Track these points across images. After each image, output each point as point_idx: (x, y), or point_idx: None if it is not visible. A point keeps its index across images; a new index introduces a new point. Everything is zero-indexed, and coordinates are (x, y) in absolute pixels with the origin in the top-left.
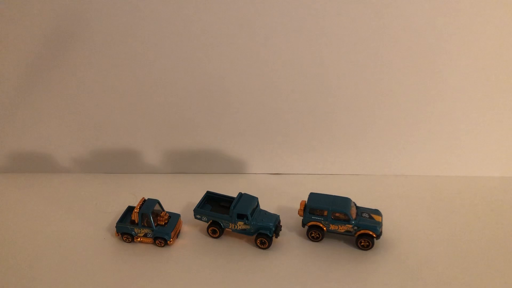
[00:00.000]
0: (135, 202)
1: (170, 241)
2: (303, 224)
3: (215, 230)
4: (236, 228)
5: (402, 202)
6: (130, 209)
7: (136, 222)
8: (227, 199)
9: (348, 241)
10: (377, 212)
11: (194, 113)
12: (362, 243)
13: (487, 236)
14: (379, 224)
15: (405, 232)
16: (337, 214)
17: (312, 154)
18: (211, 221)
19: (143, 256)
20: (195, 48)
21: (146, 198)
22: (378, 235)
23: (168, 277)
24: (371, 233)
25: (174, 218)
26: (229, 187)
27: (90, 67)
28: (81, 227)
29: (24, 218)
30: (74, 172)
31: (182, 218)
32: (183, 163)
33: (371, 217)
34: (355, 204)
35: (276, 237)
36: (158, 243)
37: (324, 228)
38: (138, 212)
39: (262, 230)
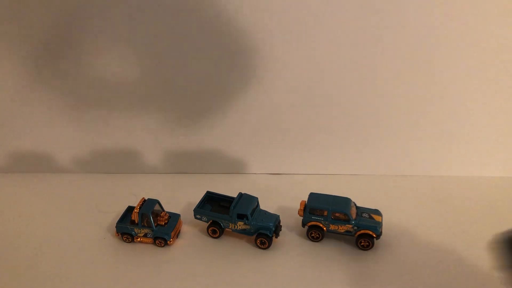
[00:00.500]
0: (135, 202)
1: (170, 241)
2: (303, 224)
3: (215, 230)
4: (236, 228)
5: (402, 202)
6: (130, 209)
7: (136, 222)
8: (227, 199)
9: (348, 241)
10: (377, 212)
11: (194, 113)
12: (362, 243)
13: (487, 236)
14: (379, 224)
15: (405, 232)
16: (337, 214)
17: (312, 154)
18: (211, 221)
19: (143, 256)
20: (195, 48)
21: (146, 198)
22: (378, 235)
23: (168, 277)
24: (371, 233)
25: (174, 218)
26: (229, 187)
27: (90, 67)
28: (81, 227)
29: (24, 218)
30: (74, 172)
31: (182, 218)
32: (183, 163)
33: (371, 217)
34: (355, 204)
35: (276, 237)
36: (158, 243)
37: (324, 228)
38: (138, 212)
39: (262, 230)
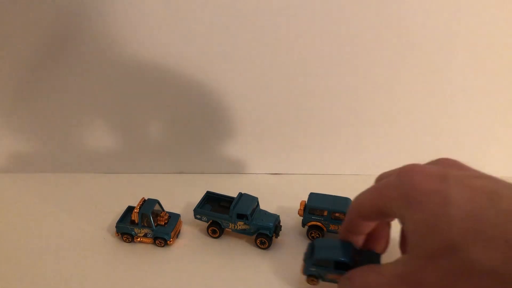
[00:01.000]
0: (135, 202)
1: (170, 241)
2: (303, 224)
3: (215, 230)
4: (236, 228)
5: None
6: (130, 209)
7: (136, 222)
8: (227, 199)
9: None
10: None
11: (194, 113)
12: None
13: None
14: None
15: None
16: (337, 214)
17: (312, 154)
18: (211, 221)
19: (143, 256)
20: (194, 48)
21: (146, 198)
22: None
23: (168, 277)
24: None
25: (174, 218)
26: (229, 187)
27: (90, 67)
28: (81, 227)
29: (24, 218)
30: (74, 172)
31: (182, 218)
32: (183, 163)
33: None
34: None
35: (276, 237)
36: (158, 243)
37: (324, 228)
38: (138, 212)
39: (262, 230)
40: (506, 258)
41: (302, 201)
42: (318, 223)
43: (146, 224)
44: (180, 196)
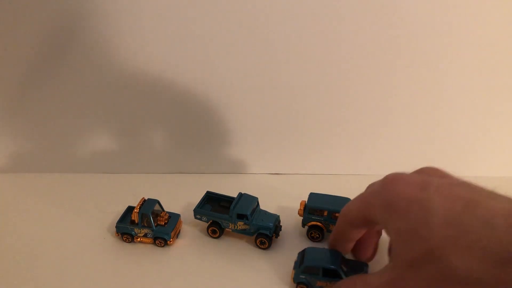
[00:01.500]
0: (135, 202)
1: (170, 241)
2: (303, 224)
3: (215, 230)
4: (236, 228)
5: None
6: (130, 209)
7: (136, 222)
8: (227, 199)
9: None
10: None
11: (194, 113)
12: None
13: None
14: None
15: None
16: (337, 214)
17: (312, 154)
18: (211, 221)
19: (143, 256)
20: (195, 48)
21: (146, 198)
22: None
23: (168, 277)
24: None
25: (174, 218)
26: (229, 187)
27: (90, 66)
28: (81, 227)
29: (24, 218)
30: (74, 172)
31: (182, 218)
32: (183, 163)
33: None
34: None
35: (276, 237)
36: (158, 243)
37: (324, 228)
38: (138, 212)
39: (262, 230)
40: (483, 265)
41: (302, 201)
42: (318, 223)
43: (146, 224)
44: (180, 196)
